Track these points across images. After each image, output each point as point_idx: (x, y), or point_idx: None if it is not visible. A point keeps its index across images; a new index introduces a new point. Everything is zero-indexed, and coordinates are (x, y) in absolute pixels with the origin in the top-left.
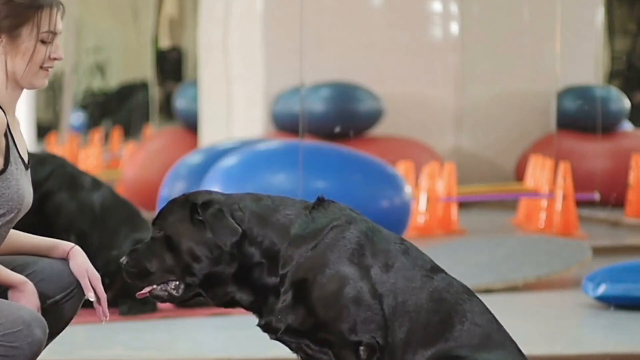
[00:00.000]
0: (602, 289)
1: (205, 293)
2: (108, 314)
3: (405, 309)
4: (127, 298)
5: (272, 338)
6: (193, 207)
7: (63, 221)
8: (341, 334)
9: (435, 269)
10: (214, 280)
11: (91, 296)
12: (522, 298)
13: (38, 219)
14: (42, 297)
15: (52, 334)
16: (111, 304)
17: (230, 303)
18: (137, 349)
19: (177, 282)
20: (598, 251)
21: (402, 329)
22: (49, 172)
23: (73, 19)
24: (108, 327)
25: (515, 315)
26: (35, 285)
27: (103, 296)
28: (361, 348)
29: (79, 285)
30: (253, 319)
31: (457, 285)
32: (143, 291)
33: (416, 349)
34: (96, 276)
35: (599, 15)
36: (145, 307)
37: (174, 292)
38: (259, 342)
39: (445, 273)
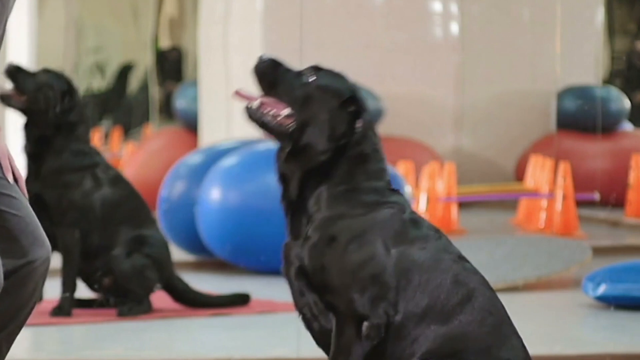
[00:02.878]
0: (602, 289)
1: (291, 147)
2: (27, 195)
3: (428, 286)
4: (127, 298)
5: (284, 273)
6: (354, 100)
7: (72, 216)
8: (350, 303)
9: (462, 258)
10: (310, 147)
11: (10, 177)
12: (522, 298)
13: (50, 204)
14: (6, 253)
15: (18, 308)
16: (111, 304)
17: (283, 180)
18: (136, 349)
19: (291, 119)
20: (598, 251)
21: (421, 304)
22: (87, 166)
23: (73, 19)
24: (108, 328)
25: (515, 315)
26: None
27: (20, 177)
28: (365, 324)
29: (43, 259)
30: (253, 319)
31: (480, 277)
32: (251, 98)
33: (429, 324)
34: (13, 157)
35: (599, 15)
36: (142, 307)
37: (282, 127)
38: (259, 342)
39: (471, 264)
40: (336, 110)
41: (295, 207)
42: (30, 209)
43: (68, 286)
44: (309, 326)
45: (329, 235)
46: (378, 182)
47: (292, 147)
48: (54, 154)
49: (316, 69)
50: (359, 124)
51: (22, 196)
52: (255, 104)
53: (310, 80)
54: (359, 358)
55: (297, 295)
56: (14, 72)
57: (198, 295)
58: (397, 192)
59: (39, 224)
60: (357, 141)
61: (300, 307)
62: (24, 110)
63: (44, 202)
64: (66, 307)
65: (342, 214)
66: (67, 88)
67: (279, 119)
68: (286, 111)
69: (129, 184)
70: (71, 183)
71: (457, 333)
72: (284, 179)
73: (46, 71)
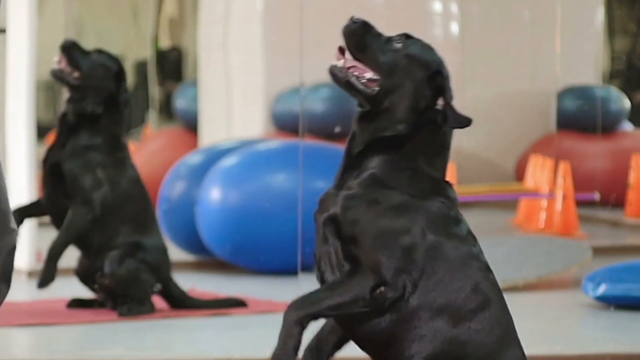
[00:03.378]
0: (602, 289)
1: (371, 109)
2: None
3: (449, 287)
4: (127, 298)
5: (314, 219)
6: (440, 74)
7: (85, 196)
8: (377, 264)
9: (489, 269)
10: (390, 114)
11: None
12: (522, 298)
13: (66, 176)
14: None
15: None
16: (111, 305)
17: (352, 135)
18: (137, 349)
19: (375, 83)
20: (598, 251)
21: (438, 300)
22: (116, 157)
23: (73, 19)
24: (109, 328)
25: (515, 315)
26: None
27: None
28: (382, 289)
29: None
30: (252, 319)
31: (497, 287)
32: (340, 58)
33: (440, 324)
34: None
35: (599, 15)
36: (144, 308)
37: (367, 88)
38: (259, 342)
39: (494, 276)
40: (421, 82)
41: (351, 161)
42: (7, 193)
43: (53, 254)
44: (323, 281)
45: (372, 196)
46: (437, 173)
47: (372, 110)
48: (94, 131)
49: (407, 37)
50: (440, 102)
51: (2, 179)
52: (340, 63)
53: (399, 47)
54: (351, 305)
55: (319, 243)
56: (70, 48)
57: (195, 301)
58: (451, 186)
59: (10, 210)
60: (435, 120)
61: (319, 256)
62: (75, 87)
63: (61, 173)
64: (48, 276)
65: (395, 186)
66: (118, 70)
67: (363, 80)
68: (370, 74)
69: (143, 187)
70: (93, 163)
71: (464, 339)
72: (353, 134)
73: (100, 51)
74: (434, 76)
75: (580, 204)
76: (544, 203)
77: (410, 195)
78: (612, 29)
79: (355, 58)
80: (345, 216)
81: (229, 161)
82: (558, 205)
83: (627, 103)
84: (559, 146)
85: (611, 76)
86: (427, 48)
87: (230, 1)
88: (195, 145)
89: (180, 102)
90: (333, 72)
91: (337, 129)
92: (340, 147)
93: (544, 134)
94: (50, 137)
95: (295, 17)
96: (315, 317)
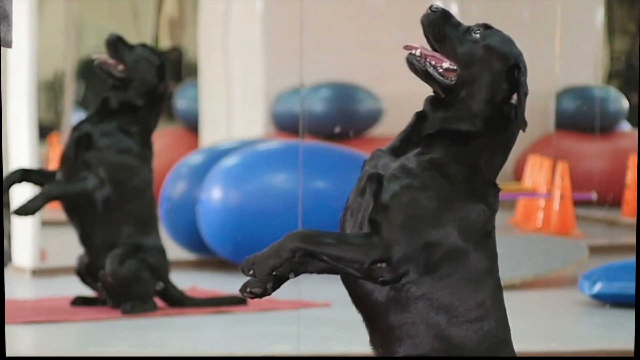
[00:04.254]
0: (598, 287)
1: (448, 99)
2: None
3: (456, 294)
4: (129, 296)
5: (362, 167)
6: (520, 69)
7: (101, 173)
8: (393, 241)
9: (500, 287)
10: (466, 105)
11: None
12: (519, 296)
13: (93, 146)
14: None
15: None
16: (111, 303)
17: (422, 115)
18: (140, 347)
19: (452, 73)
20: (595, 250)
21: (441, 300)
22: (145, 155)
23: (73, 19)
24: (112, 325)
25: (512, 313)
26: None
27: None
28: (381, 265)
29: None
30: (253, 317)
31: (503, 305)
32: (413, 46)
33: (436, 320)
34: None
35: (599, 15)
36: (147, 306)
37: (445, 79)
38: (259, 339)
39: (502, 293)
40: (499, 74)
41: (417, 137)
42: None
43: (45, 194)
44: (342, 230)
45: (424, 180)
46: (493, 174)
47: (449, 100)
48: (132, 120)
49: (486, 27)
50: (514, 97)
51: None
52: (417, 52)
53: (478, 38)
54: (348, 263)
55: (355, 193)
56: (115, 42)
57: (193, 300)
58: (498, 192)
59: None
60: (508, 114)
61: (349, 205)
62: (119, 79)
63: (87, 144)
64: (29, 209)
65: (450, 178)
66: (161, 64)
67: (440, 70)
68: (447, 64)
69: (153, 191)
70: (122, 146)
71: (456, 342)
72: (424, 114)
73: (144, 45)
74: (512, 69)
75: (577, 203)
76: (541, 203)
77: (458, 195)
78: (611, 29)
79: (433, 47)
80: (390, 184)
81: (229, 161)
82: (556, 204)
83: (625, 103)
84: (557, 146)
85: (610, 76)
86: (507, 40)
87: (230, 1)
88: (196, 146)
89: (180, 103)
90: (410, 61)
91: (337, 129)
92: (340, 147)
93: (543, 134)
94: (52, 137)
95: (295, 17)
96: (310, 255)
